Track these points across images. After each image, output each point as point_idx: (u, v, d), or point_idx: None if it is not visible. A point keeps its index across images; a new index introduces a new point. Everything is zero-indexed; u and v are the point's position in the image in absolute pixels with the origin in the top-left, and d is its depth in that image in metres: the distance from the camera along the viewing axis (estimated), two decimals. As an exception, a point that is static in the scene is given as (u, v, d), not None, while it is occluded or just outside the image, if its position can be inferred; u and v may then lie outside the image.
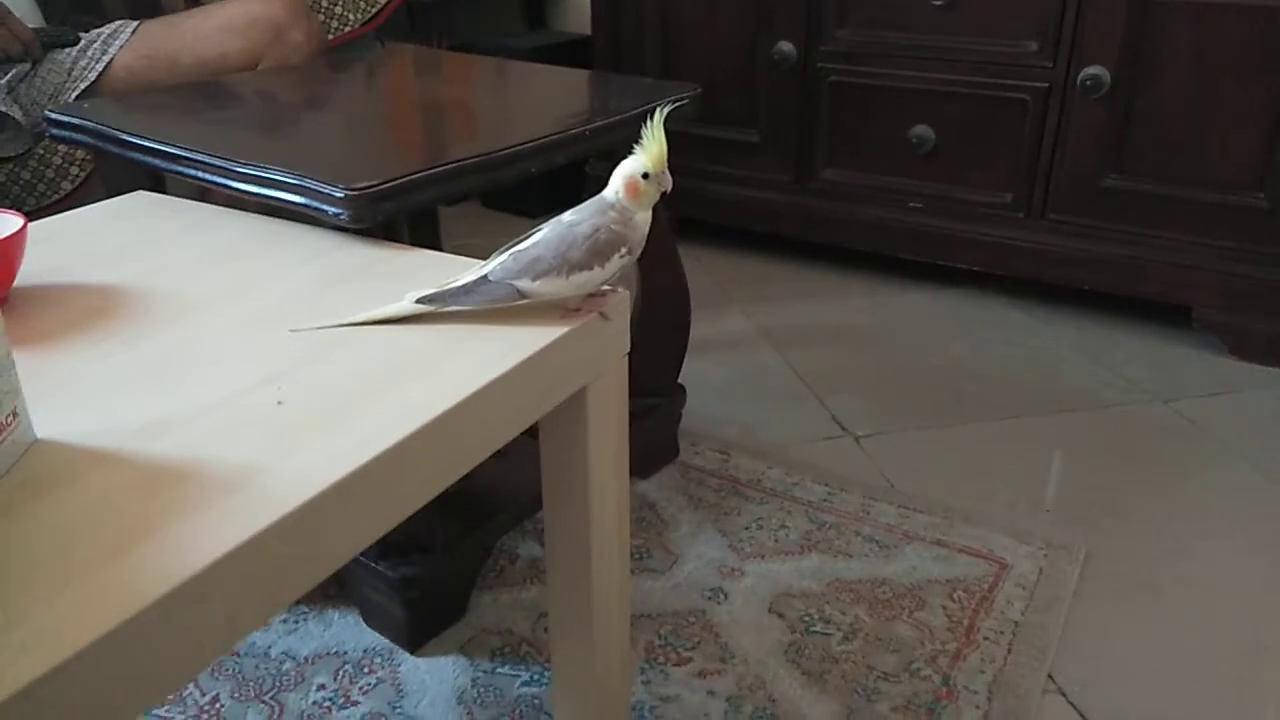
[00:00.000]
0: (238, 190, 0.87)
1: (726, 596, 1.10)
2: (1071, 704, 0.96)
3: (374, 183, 0.80)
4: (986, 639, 1.03)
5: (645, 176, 0.65)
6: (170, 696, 0.98)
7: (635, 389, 1.31)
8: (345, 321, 0.67)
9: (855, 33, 1.78)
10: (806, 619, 1.07)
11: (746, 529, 1.22)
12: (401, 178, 0.81)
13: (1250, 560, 1.16)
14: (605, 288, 0.71)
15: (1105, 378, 1.57)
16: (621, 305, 0.72)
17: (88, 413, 0.57)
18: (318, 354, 0.63)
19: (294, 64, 1.38)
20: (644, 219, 0.66)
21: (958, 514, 1.23)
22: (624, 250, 0.66)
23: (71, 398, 0.59)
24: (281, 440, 0.54)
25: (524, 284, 0.66)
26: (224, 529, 0.46)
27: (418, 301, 0.67)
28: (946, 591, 1.10)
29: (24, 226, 0.70)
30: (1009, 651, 1.01)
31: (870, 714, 0.95)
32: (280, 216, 0.87)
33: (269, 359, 0.62)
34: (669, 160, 0.66)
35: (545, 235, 0.67)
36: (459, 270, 0.69)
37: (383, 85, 1.25)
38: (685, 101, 1.06)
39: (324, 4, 1.67)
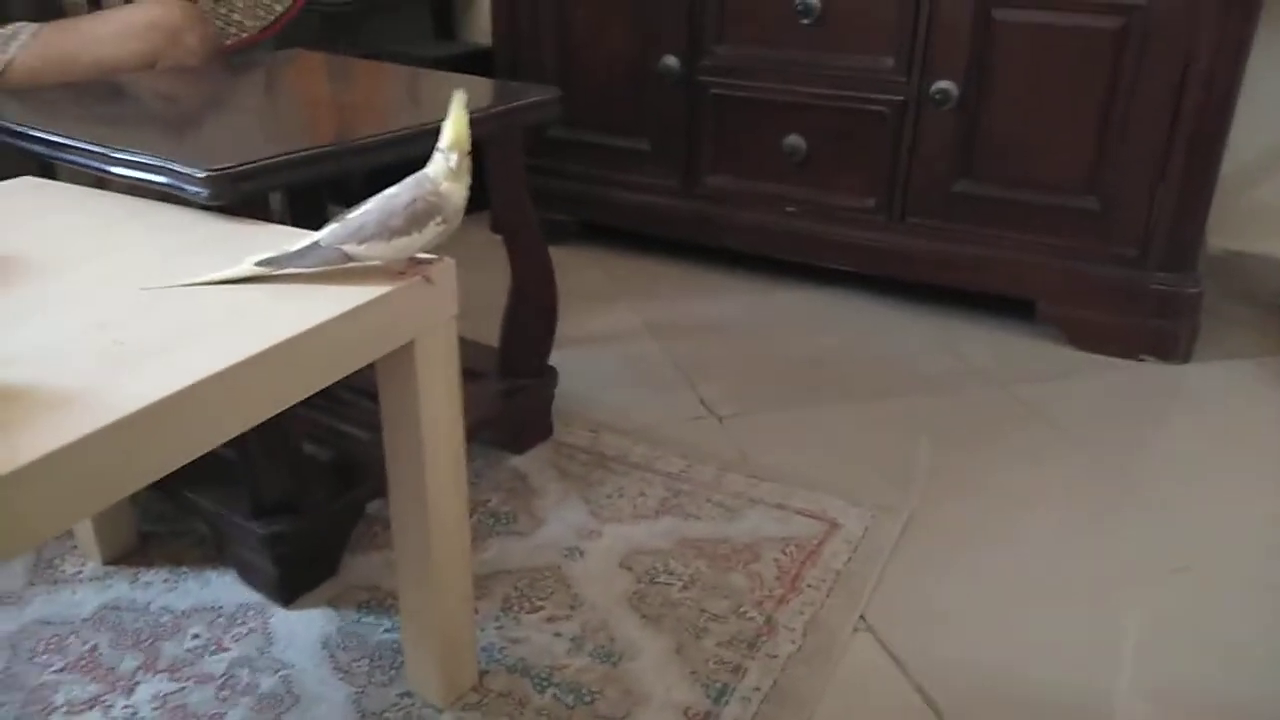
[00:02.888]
0: (110, 173, 0.96)
1: (582, 554, 1.20)
2: (878, 639, 1.08)
3: (231, 165, 0.89)
4: (810, 586, 1.15)
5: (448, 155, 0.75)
6: (50, 645, 1.05)
7: (507, 369, 1.41)
8: (191, 281, 0.76)
9: (733, 48, 1.91)
10: (652, 571, 1.17)
11: (609, 497, 1.32)
12: (257, 161, 0.90)
13: (1056, 519, 1.29)
14: (431, 256, 0.81)
15: (953, 365, 1.71)
16: (447, 272, 0.82)
17: (-53, 350, 0.65)
18: (160, 307, 0.72)
19: (188, 66, 1.46)
20: (451, 189, 0.76)
21: (799, 482, 1.34)
22: (440, 219, 0.76)
23: (-65, 338, 0.67)
24: (112, 371, 0.63)
25: (350, 248, 0.76)
26: (46, 437, 0.55)
27: (257, 264, 0.76)
28: (780, 547, 1.21)
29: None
30: (827, 596, 1.13)
31: (697, 648, 1.05)
32: (170, 201, 0.96)
33: (115, 309, 0.71)
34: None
35: (371, 205, 0.77)
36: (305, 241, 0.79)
37: (264, 85, 1.34)
38: (498, 103, 1.16)
39: (223, 11, 1.75)
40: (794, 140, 1.90)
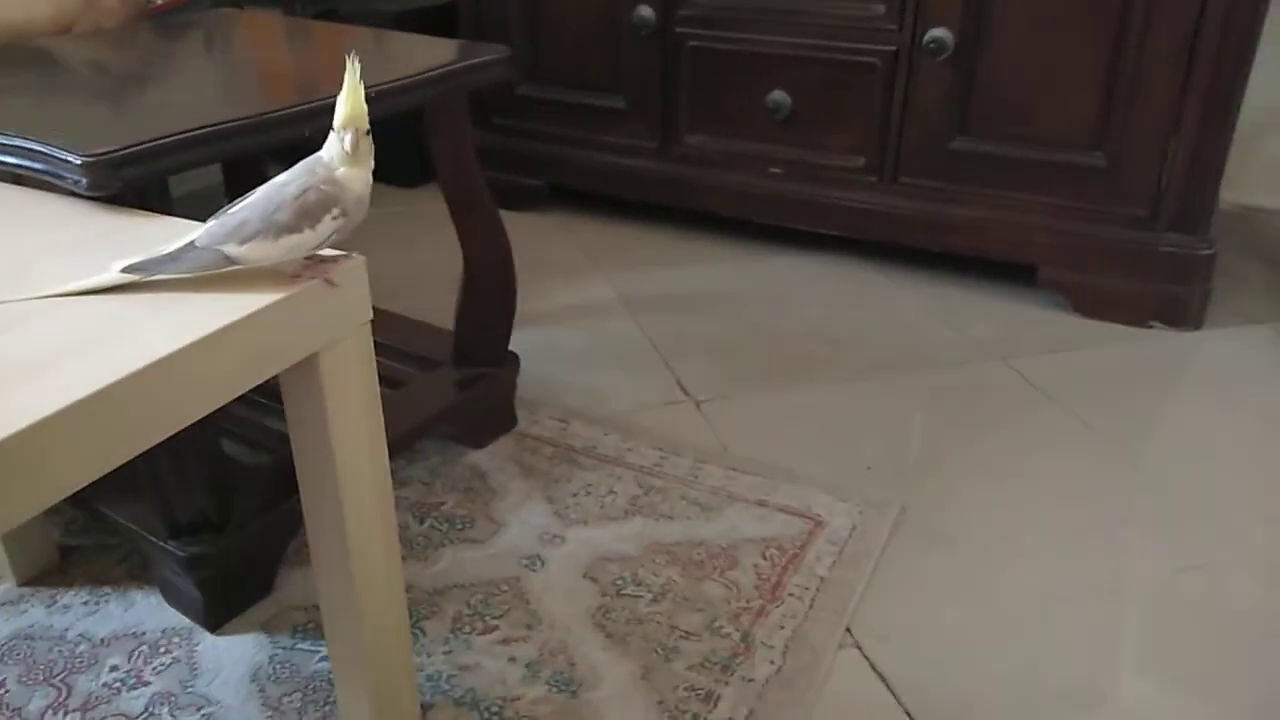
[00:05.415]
0: (-17, 158, 0.84)
1: (543, 563, 1.10)
2: (866, 657, 0.98)
3: (114, 149, 0.77)
4: (792, 595, 1.05)
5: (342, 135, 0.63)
6: (-50, 685, 0.95)
7: (463, 358, 1.30)
8: (49, 293, 0.64)
9: (711, -4, 1.77)
10: (619, 582, 1.07)
11: (574, 495, 1.21)
12: (144, 143, 0.78)
13: (1059, 514, 1.19)
14: (334, 253, 0.69)
15: (951, 338, 1.60)
16: (355, 272, 0.70)
17: None
18: (14, 323, 0.61)
19: (107, 28, 1.33)
20: (351, 176, 0.64)
21: (782, 474, 1.24)
22: (336, 211, 0.65)
23: None
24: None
25: (231, 249, 0.64)
26: None
27: (124, 270, 0.65)
28: (760, 550, 1.11)
29: None
30: (810, 607, 1.03)
31: (666, 672, 0.95)
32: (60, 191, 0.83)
33: (-52, 331, 0.60)
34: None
35: (255, 197, 0.65)
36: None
37: (191, 50, 1.21)
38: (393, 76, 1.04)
39: (150, -33, 1.61)
40: (778, 96, 1.77)
